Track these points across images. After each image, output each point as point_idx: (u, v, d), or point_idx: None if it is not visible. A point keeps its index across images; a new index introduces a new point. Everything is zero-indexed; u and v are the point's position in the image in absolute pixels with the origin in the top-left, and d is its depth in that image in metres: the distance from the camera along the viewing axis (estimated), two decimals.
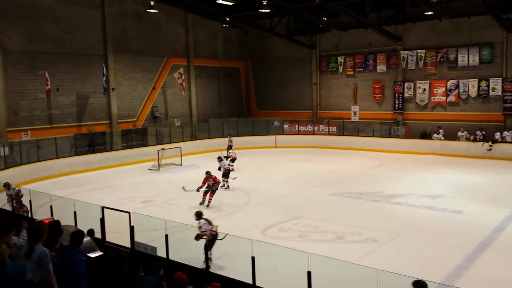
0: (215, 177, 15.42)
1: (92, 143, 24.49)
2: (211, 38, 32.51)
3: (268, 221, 13.19)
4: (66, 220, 9.94)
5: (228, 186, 17.54)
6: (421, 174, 19.95)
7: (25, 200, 13.12)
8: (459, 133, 25.03)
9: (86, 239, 7.89)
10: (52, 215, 10.97)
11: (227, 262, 9.36)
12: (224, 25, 32.72)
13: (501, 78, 24.86)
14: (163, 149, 22.90)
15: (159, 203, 15.59)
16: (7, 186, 13.90)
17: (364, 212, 14.19)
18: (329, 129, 29.76)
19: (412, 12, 26.75)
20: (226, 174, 17.57)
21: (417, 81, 27.69)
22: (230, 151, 22.19)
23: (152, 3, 24.95)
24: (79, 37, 24.32)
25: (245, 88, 35.57)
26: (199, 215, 10.42)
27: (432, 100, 27.22)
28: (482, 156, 23.20)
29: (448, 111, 26.73)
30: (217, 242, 9.76)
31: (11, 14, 21.60)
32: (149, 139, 27.32)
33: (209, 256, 8.77)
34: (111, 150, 24.77)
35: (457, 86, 26.27)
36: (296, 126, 30.44)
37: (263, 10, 24.24)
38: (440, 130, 25.61)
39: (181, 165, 23.20)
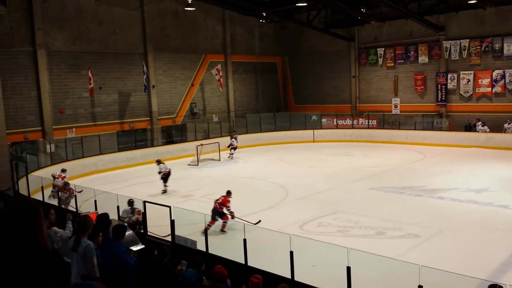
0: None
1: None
2: (248, 34, 32.59)
3: (306, 216, 13.14)
4: (110, 215, 10.28)
5: (165, 191, 16.81)
6: (465, 168, 19.30)
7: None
8: (506, 125, 24.02)
9: (129, 232, 8.14)
10: (96, 209, 11.35)
11: (266, 257, 9.39)
12: (260, 20, 32.73)
13: None
14: (201, 144, 23.22)
15: (198, 198, 15.83)
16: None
17: (406, 207, 13.88)
18: (368, 122, 29.24)
19: (455, 0, 25.83)
20: (165, 179, 17.03)
21: (461, 72, 26.74)
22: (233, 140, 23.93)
23: (189, 1, 25.27)
24: (120, 37, 24.99)
25: (282, 83, 35.47)
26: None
27: (477, 91, 26.23)
28: None
29: (494, 102, 25.68)
30: (256, 237, 9.80)
31: (56, 17, 22.44)
32: (188, 135, 27.76)
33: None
34: (152, 146, 25.34)
35: (503, 76, 25.20)
36: (335, 120, 30.08)
37: (300, 4, 24.08)
38: (479, 123, 24.70)
39: (219, 160, 23.45)
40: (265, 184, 17.58)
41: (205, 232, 9.49)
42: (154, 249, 6.80)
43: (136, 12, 25.69)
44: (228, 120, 30.42)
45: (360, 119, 29.68)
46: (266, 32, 33.82)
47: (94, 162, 21.47)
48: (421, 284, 6.18)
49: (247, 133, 28.53)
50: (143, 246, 7.84)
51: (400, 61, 29.26)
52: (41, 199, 13.45)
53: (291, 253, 7.58)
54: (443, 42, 27.11)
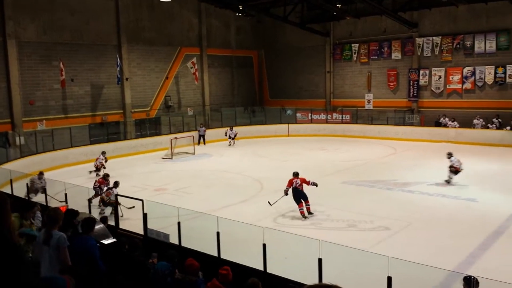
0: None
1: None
2: (224, 27, 32.44)
3: (280, 209, 13.22)
4: (80, 208, 10.13)
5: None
6: (435, 162, 19.72)
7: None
8: (475, 121, 24.69)
9: (100, 226, 8.04)
10: (66, 202, 11.16)
11: (239, 249, 9.43)
12: (237, 13, 32.63)
13: None
14: (176, 138, 23.05)
15: (172, 191, 15.73)
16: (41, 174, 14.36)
17: (377, 201, 14.14)
18: (342, 117, 29.59)
19: None
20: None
21: (433, 68, 27.30)
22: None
23: None
24: (93, 27, 24.50)
25: (258, 77, 35.49)
26: None
27: (447, 87, 26.84)
28: (497, 144, 22.87)
29: (464, 99, 26.35)
30: (229, 230, 9.82)
31: (27, 6, 21.83)
32: (162, 128, 27.52)
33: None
34: (125, 139, 25.01)
35: (473, 73, 25.85)
36: (309, 114, 30.33)
37: None
38: (446, 119, 25.31)
39: (193, 153, 23.35)
40: (240, 177, 17.60)
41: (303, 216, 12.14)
42: (125, 243, 6.74)
43: (110, 2, 25.22)
44: (203, 113, 30.27)
45: (334, 114, 30.01)
46: (243, 25, 33.72)
47: (64, 155, 21.06)
48: (390, 276, 6.31)
49: (222, 127, 28.49)
50: (114, 240, 7.75)
51: (374, 57, 29.66)
52: (10, 192, 13.11)
53: (264, 245, 7.64)
54: (416, 38, 27.60)
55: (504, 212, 12.46)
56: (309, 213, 12.55)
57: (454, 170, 15.42)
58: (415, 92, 28.00)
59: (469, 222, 11.77)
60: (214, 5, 30.86)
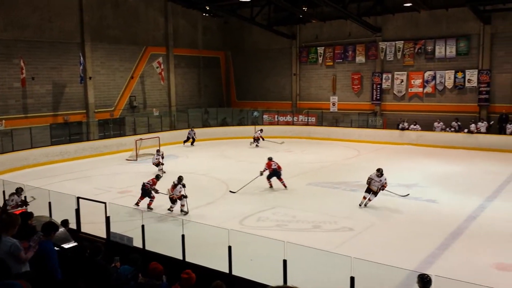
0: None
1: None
2: (191, 27, 32.21)
3: (246, 211, 13.25)
4: (41, 211, 9.83)
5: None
6: (397, 164, 20.27)
7: None
8: (435, 124, 25.48)
9: (61, 229, 7.83)
10: (26, 205, 10.79)
11: (205, 252, 9.38)
12: (204, 14, 32.48)
13: (477, 70, 25.31)
14: (141, 139, 22.70)
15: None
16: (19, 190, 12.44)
17: (341, 202, 14.37)
18: (308, 119, 29.92)
19: (391, 3, 27.02)
20: None
21: (395, 72, 28.00)
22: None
23: None
24: (56, 25, 23.81)
25: (225, 78, 35.43)
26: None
27: (409, 91, 27.59)
28: (456, 146, 23.69)
29: (425, 102, 27.15)
30: (195, 233, 9.77)
31: None
32: (126, 129, 27.04)
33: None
34: (88, 140, 24.44)
35: (434, 78, 26.67)
36: (276, 116, 30.52)
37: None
38: (405, 123, 25.98)
39: None
40: (206, 179, 17.51)
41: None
42: (87, 247, 6.59)
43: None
44: (169, 114, 29.95)
45: (300, 116, 30.31)
46: (210, 26, 33.59)
47: (25, 156, 20.38)
48: (353, 276, 6.43)
49: (189, 128, 28.28)
50: (75, 244, 7.56)
51: (339, 60, 30.15)
52: None
53: (229, 248, 7.63)
54: (379, 43, 28.25)
55: (462, 213, 12.90)
56: (285, 187, 15.58)
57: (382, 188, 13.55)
58: (378, 95, 28.64)
59: (429, 223, 12.13)
60: (181, 4, 30.60)
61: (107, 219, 9.00)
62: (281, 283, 7.24)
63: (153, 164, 18.81)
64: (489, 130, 24.19)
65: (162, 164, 18.69)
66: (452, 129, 24.97)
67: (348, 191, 15.61)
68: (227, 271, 7.54)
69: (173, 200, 13.03)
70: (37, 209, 9.86)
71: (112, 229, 9.11)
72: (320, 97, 31.18)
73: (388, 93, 28.44)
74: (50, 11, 23.49)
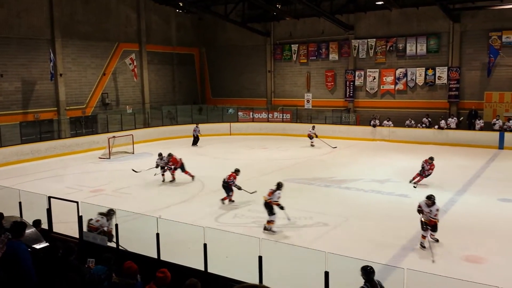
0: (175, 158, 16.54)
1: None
2: (164, 24, 31.88)
3: (222, 208, 13.23)
4: (11, 211, 9.58)
5: None
6: (370, 160, 20.61)
7: None
8: (407, 122, 25.97)
9: (32, 230, 7.66)
10: None
11: (180, 250, 9.33)
12: (177, 10, 32.17)
13: (446, 67, 25.93)
14: (114, 137, 22.37)
15: (110, 192, 15.26)
16: None
17: (315, 197, 14.52)
18: (283, 116, 30.06)
19: (364, 1, 27.37)
20: None
21: (368, 70, 28.41)
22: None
23: None
24: (25, 21, 23.21)
25: (199, 75, 35.23)
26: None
27: (381, 88, 28.05)
28: (427, 142, 24.21)
29: (397, 99, 27.67)
30: (170, 231, 9.70)
31: None
32: (99, 126, 26.59)
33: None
34: (59, 138, 23.93)
35: (405, 75, 27.19)
36: (251, 113, 30.54)
37: None
38: (376, 120, 26.40)
39: (133, 153, 22.79)
40: (181, 177, 17.38)
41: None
42: (60, 247, 6.46)
43: None
44: (143, 111, 29.60)
45: (275, 113, 30.42)
46: (183, 22, 33.31)
47: None
48: (327, 270, 6.51)
49: (163, 125, 28.03)
50: (47, 244, 7.41)
51: (313, 57, 30.39)
52: None
53: (205, 245, 7.62)
54: (352, 41, 28.59)
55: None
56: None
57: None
58: (351, 92, 29.01)
59: (402, 217, 12.36)
60: (154, 0, 30.25)
61: (80, 218, 8.84)
62: (256, 279, 7.30)
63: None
64: (458, 126, 24.86)
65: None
66: (423, 125, 25.53)
67: (322, 187, 15.78)
68: (202, 268, 7.52)
69: (269, 206, 11.43)
70: (8, 209, 9.60)
71: (85, 229, 8.96)
72: (295, 94, 31.37)
73: (361, 90, 28.84)
74: (18, 6, 22.88)
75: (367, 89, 28.55)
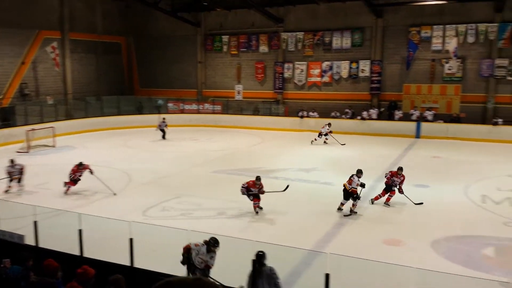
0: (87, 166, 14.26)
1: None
2: (89, 11, 30.46)
3: (149, 201, 13.03)
4: None
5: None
6: (297, 150, 21.22)
7: None
8: (332, 114, 26.96)
9: None
10: None
11: (106, 246, 9.10)
12: None
13: (369, 60, 27.16)
14: (33, 129, 21.14)
15: (30, 188, 14.45)
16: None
17: None
18: (214, 107, 30.00)
19: None
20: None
21: (296, 62, 29.06)
22: None
23: None
24: None
25: (127, 65, 34.12)
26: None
27: (308, 80, 28.84)
28: (350, 132, 25.26)
29: (323, 91, 28.60)
30: (95, 227, 9.42)
31: None
32: (17, 118, 24.96)
33: None
34: None
35: (331, 68, 28.15)
36: (181, 104, 30.17)
37: None
38: (304, 112, 27.14)
39: (54, 146, 21.68)
40: (107, 170, 16.83)
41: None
42: None
43: None
44: (65, 102, 28.20)
45: (206, 104, 30.28)
46: (110, 10, 32.03)
47: None
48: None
49: (86, 116, 26.91)
50: None
51: (243, 49, 30.53)
52: None
53: (131, 240, 7.50)
54: (282, 33, 29.07)
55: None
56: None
57: None
58: (280, 84, 29.56)
59: (326, 204, 12.87)
60: None
61: None
62: (184, 272, 7.31)
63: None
64: (379, 117, 26.22)
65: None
66: (348, 116, 26.65)
67: (251, 177, 15.97)
68: (128, 263, 7.41)
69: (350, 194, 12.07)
70: None
71: (2, 227, 8.46)
72: (226, 85, 31.40)
73: (289, 82, 29.47)
74: None
75: (295, 81, 29.23)
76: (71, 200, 13.03)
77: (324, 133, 22.60)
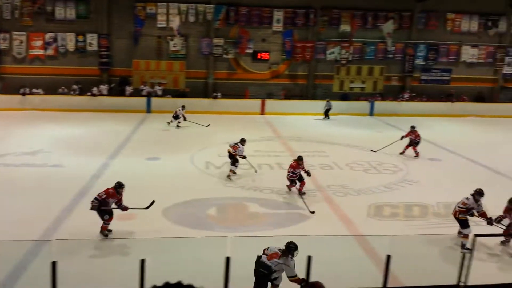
0: None
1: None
2: None
3: None
4: None
5: None
6: (19, 131, 19.14)
7: None
8: (60, 90, 25.23)
9: None
10: None
11: None
12: None
13: (97, 34, 26.26)
14: None
15: None
16: None
17: None
18: None
19: None
20: None
21: (14, 32, 25.77)
22: None
23: None
24: None
25: None
26: None
27: (30, 53, 26.06)
28: (79, 109, 24.19)
29: (48, 65, 26.33)
30: None
31: None
32: None
33: None
34: None
35: (55, 40, 26.09)
36: None
37: None
38: (26, 88, 24.74)
39: None
40: None
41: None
42: None
43: None
44: None
45: None
46: None
47: None
48: None
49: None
50: None
51: None
52: None
53: None
54: None
55: (87, 173, 13.44)
56: None
57: None
58: None
59: (56, 188, 12.11)
60: None
61: None
62: None
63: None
64: (110, 93, 25.93)
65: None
66: (76, 93, 25.41)
67: None
68: None
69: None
70: None
71: None
72: None
73: (7, 55, 25.99)
74: None
75: (14, 54, 25.94)
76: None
77: (179, 116, 21.17)
